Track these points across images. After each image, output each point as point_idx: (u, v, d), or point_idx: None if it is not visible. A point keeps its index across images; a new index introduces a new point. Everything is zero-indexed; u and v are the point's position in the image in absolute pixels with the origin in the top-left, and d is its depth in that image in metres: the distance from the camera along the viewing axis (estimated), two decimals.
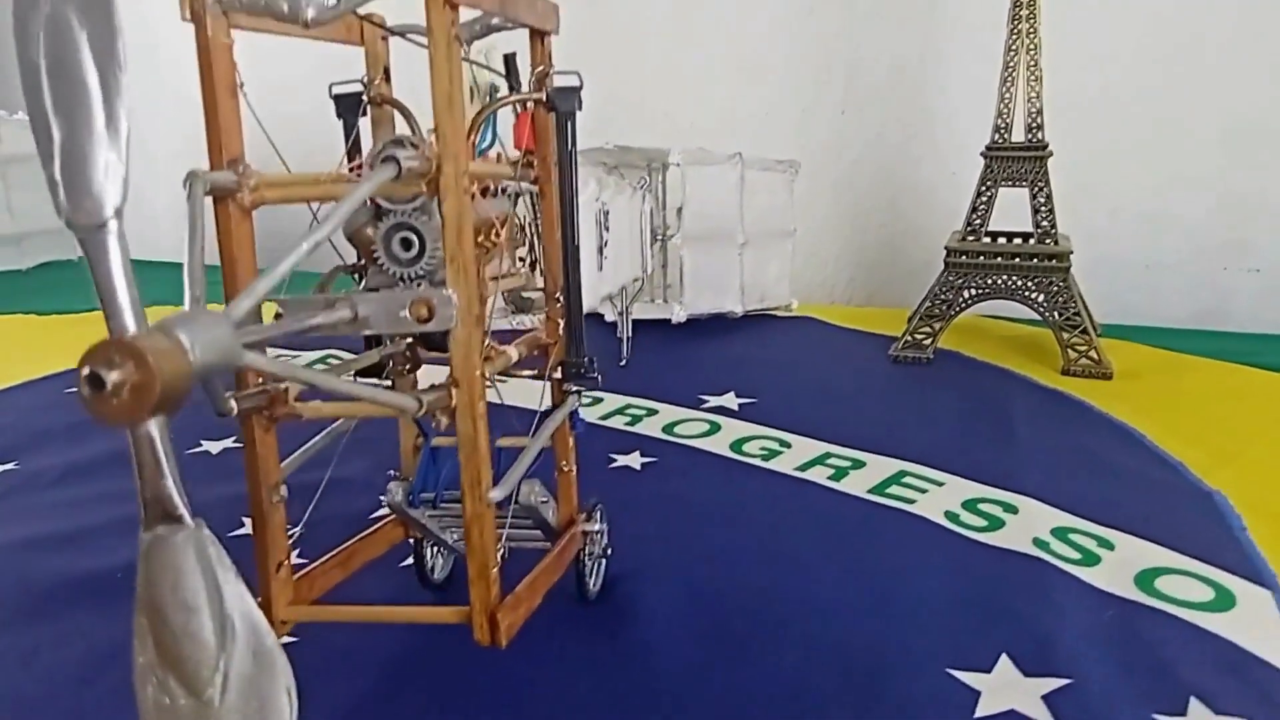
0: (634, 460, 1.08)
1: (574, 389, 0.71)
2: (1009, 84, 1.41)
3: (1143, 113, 1.74)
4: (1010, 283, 1.43)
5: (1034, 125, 1.42)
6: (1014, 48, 1.40)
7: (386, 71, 0.68)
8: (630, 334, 1.47)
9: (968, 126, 1.69)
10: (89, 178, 0.33)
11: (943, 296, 1.46)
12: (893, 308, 1.88)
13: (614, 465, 1.07)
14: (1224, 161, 1.71)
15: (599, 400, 1.27)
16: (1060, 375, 1.37)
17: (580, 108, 0.66)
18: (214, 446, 1.14)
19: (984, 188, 1.46)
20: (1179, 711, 0.63)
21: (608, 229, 1.06)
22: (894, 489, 0.98)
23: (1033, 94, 1.40)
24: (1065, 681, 0.65)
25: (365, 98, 0.67)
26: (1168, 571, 0.80)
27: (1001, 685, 0.65)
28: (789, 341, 1.63)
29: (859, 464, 1.05)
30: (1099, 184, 1.78)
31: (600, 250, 1.12)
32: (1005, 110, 1.43)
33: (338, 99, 0.68)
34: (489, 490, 0.54)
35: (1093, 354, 1.38)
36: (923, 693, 0.65)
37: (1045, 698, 0.64)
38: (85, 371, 0.32)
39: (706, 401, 1.28)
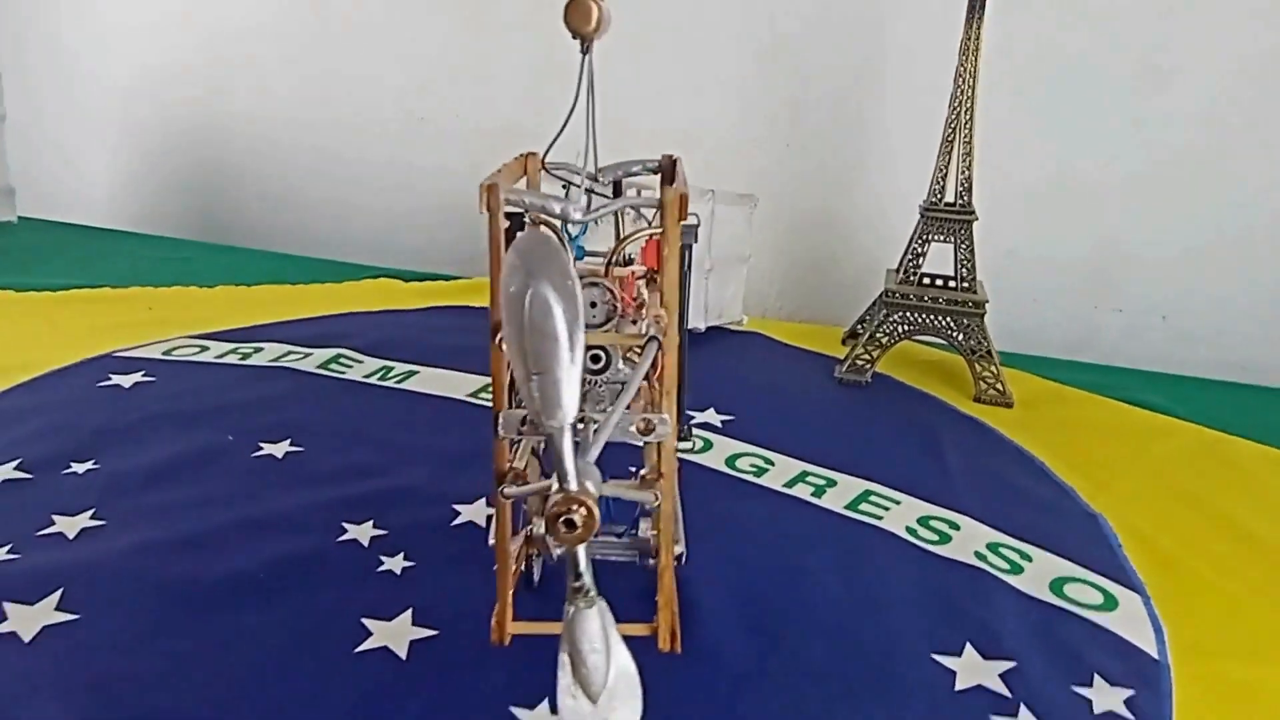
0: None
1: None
2: (945, 155, 1.68)
3: (1035, 166, 2.07)
4: (937, 321, 1.72)
5: (964, 191, 1.69)
6: (953, 125, 1.67)
7: None
8: None
9: (899, 169, 1.98)
10: (560, 397, 0.52)
11: (882, 328, 1.73)
12: (818, 323, 2.17)
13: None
14: (1098, 211, 2.05)
15: None
16: (972, 402, 1.67)
17: (696, 240, 0.86)
18: (278, 450, 1.28)
19: (919, 240, 1.73)
20: (1088, 683, 0.90)
21: None
22: (864, 505, 1.24)
23: (964, 166, 1.68)
24: (1012, 664, 0.92)
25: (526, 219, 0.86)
26: (1072, 580, 1.09)
27: (969, 666, 0.92)
28: (746, 357, 1.87)
29: (832, 482, 1.30)
30: (999, 228, 2.10)
31: None
32: (939, 177, 1.70)
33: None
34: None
35: (999, 385, 1.68)
36: (917, 674, 0.91)
37: (1001, 676, 0.91)
38: (562, 516, 0.51)
39: (693, 418, 1.50)
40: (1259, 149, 1.90)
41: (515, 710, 0.81)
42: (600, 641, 0.55)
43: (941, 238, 1.72)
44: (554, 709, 0.65)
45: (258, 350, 1.67)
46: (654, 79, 2.33)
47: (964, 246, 1.71)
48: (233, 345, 1.69)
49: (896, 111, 2.12)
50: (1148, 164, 2.00)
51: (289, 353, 1.66)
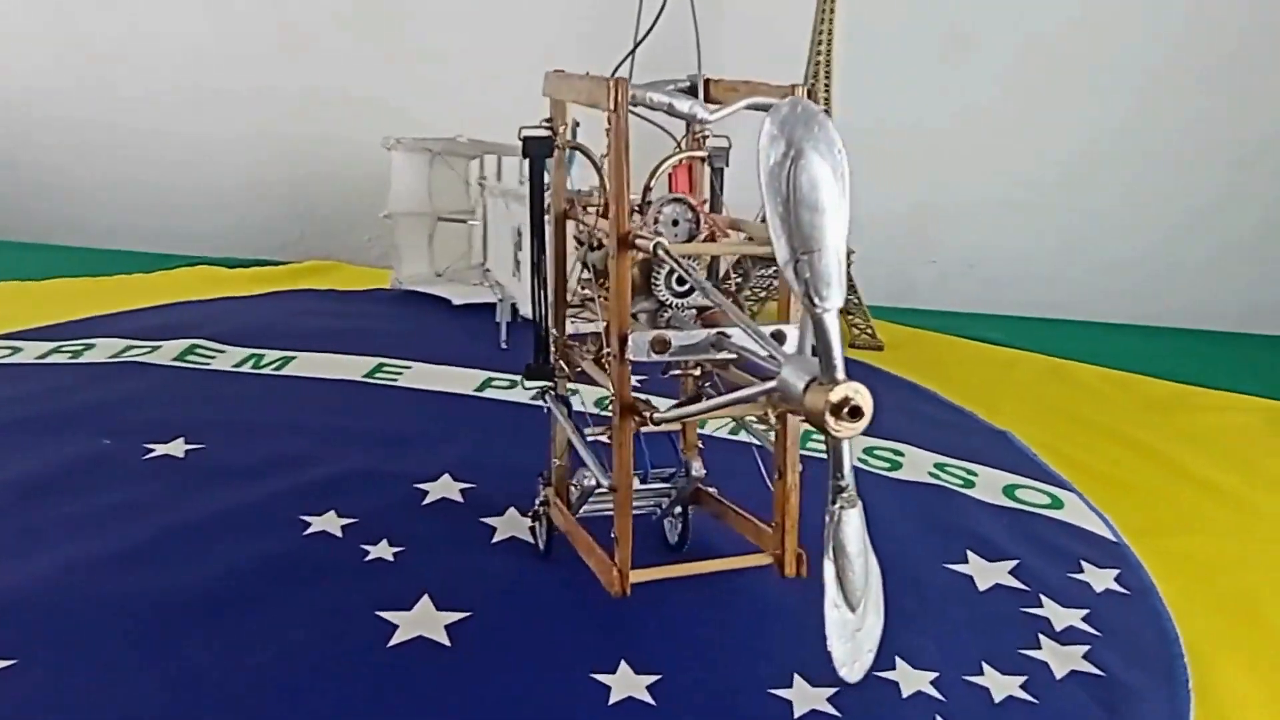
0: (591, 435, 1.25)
1: None
2: None
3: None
4: None
5: None
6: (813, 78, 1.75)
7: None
8: (509, 319, 1.60)
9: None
10: (831, 276, 0.47)
11: (751, 291, 1.78)
12: None
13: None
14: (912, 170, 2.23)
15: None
16: (850, 347, 1.76)
17: (728, 164, 0.83)
18: (173, 450, 1.10)
19: None
20: (1078, 570, 0.99)
21: (520, 249, 1.18)
22: (809, 444, 1.27)
23: None
24: (1015, 561, 0.98)
25: (556, 142, 0.79)
26: (1018, 486, 1.18)
27: (981, 570, 0.97)
28: None
29: None
30: None
31: (517, 263, 1.24)
32: None
33: (526, 140, 0.78)
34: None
35: (869, 330, 1.78)
36: (942, 582, 0.94)
37: (1011, 573, 0.96)
38: (849, 404, 0.47)
39: None
40: (1052, 111, 2.15)
41: (597, 677, 0.75)
42: (863, 544, 0.52)
43: None
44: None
45: (89, 347, 1.42)
46: (492, 49, 2.24)
47: None
48: (53, 344, 1.42)
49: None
50: (954, 124, 2.21)
51: (129, 347, 1.43)
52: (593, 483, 0.82)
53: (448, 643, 0.78)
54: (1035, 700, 0.77)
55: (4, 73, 2.42)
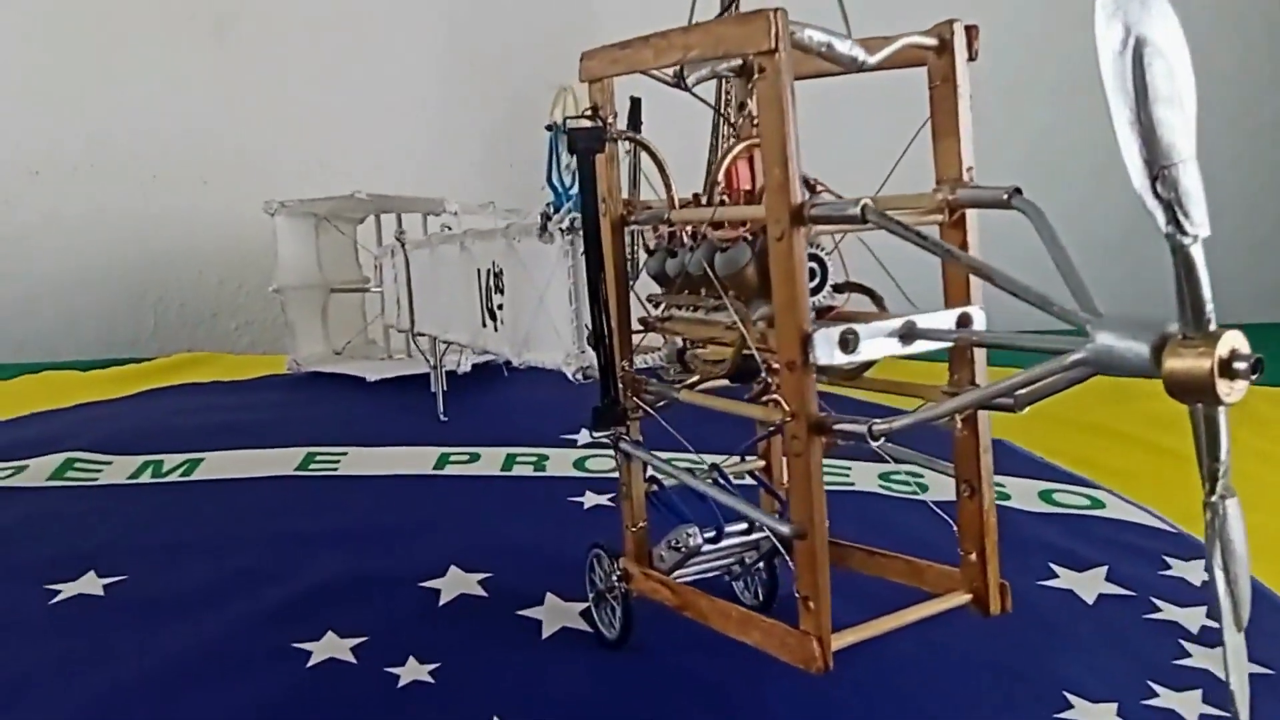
0: (593, 499, 1.09)
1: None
2: None
3: None
4: None
5: None
6: None
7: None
8: (445, 388, 1.42)
9: None
10: (1198, 194, 0.36)
11: None
12: None
13: (587, 507, 1.07)
14: None
15: (510, 460, 1.22)
16: None
17: None
18: (88, 588, 0.85)
19: None
20: (1165, 566, 0.92)
21: (501, 290, 1.03)
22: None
23: None
24: (1104, 568, 0.90)
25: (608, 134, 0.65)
26: (1053, 491, 1.12)
27: (1080, 581, 0.88)
28: (558, 384, 1.69)
29: None
30: None
31: (488, 310, 1.08)
32: None
33: (573, 134, 0.64)
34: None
35: None
36: (1051, 604, 0.85)
37: (1108, 580, 0.88)
38: (1237, 359, 0.35)
39: (576, 438, 1.31)
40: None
41: None
42: (1247, 543, 0.41)
43: None
44: None
45: None
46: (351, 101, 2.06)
47: None
48: None
49: None
50: None
51: None
52: (700, 540, 0.67)
53: None
54: (1228, 714, 0.68)
55: None
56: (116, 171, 2.02)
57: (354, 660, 0.74)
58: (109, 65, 2.02)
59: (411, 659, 0.73)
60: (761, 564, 0.78)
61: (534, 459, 1.23)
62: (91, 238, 2.03)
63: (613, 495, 1.09)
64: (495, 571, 0.88)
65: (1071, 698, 0.69)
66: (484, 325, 1.06)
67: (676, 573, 0.77)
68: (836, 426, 0.51)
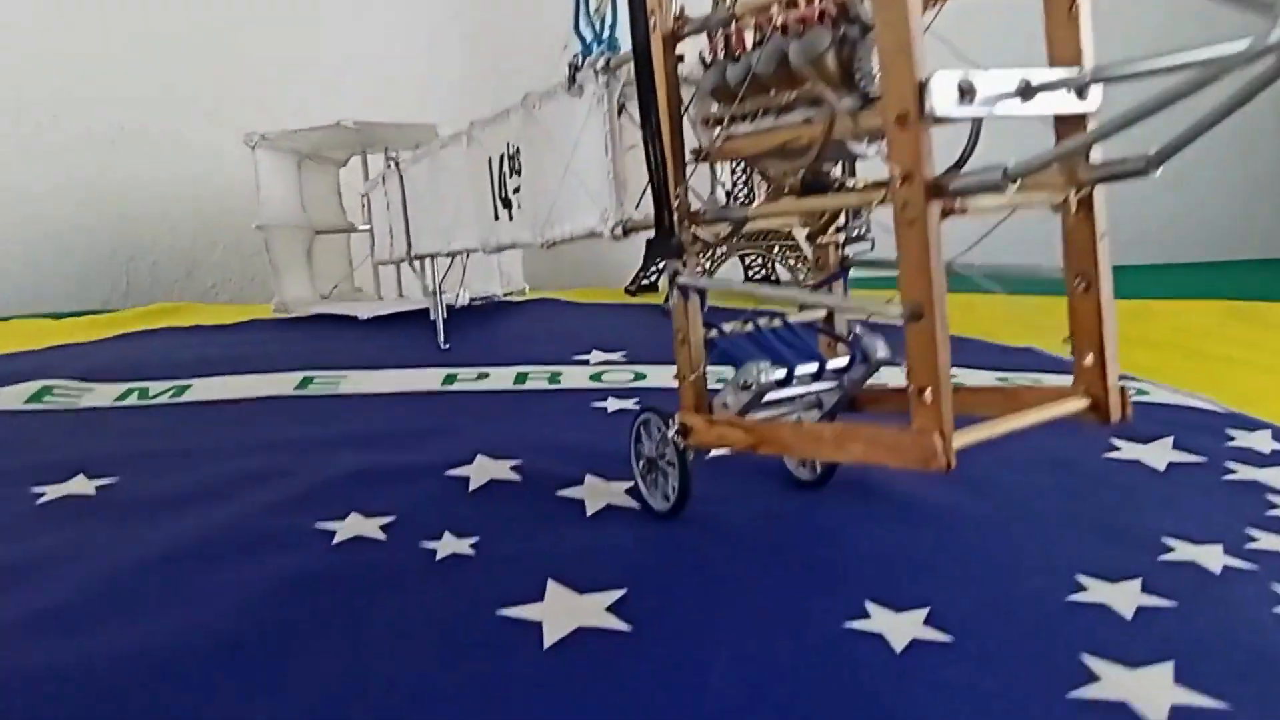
0: (616, 404, 1.02)
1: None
2: None
3: None
4: None
5: None
6: None
7: None
8: (445, 316, 1.34)
9: None
10: None
11: None
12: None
13: (612, 411, 1.00)
14: None
15: (522, 376, 1.15)
16: None
17: None
18: (78, 488, 0.77)
19: None
20: (1229, 438, 0.87)
21: (518, 171, 0.96)
22: None
23: None
24: (1169, 438, 0.85)
25: None
26: None
27: (1144, 453, 0.83)
28: (559, 316, 1.63)
29: None
30: None
31: (503, 199, 1.01)
32: None
33: None
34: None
35: None
36: (1122, 473, 0.80)
37: (1175, 448, 0.83)
38: None
39: (588, 358, 1.24)
40: None
41: (854, 625, 0.53)
42: None
43: None
44: None
45: None
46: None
47: None
48: None
49: None
50: None
51: None
52: (772, 377, 0.61)
53: (624, 627, 0.54)
54: None
55: None
56: (82, 128, 1.92)
57: (383, 537, 0.67)
58: (71, 16, 1.92)
59: (448, 534, 0.66)
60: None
61: (547, 375, 1.16)
62: (57, 196, 1.93)
63: (638, 399, 1.02)
64: (526, 459, 0.82)
65: (1173, 542, 0.64)
66: (496, 219, 0.99)
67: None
68: (957, 185, 0.45)
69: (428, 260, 1.32)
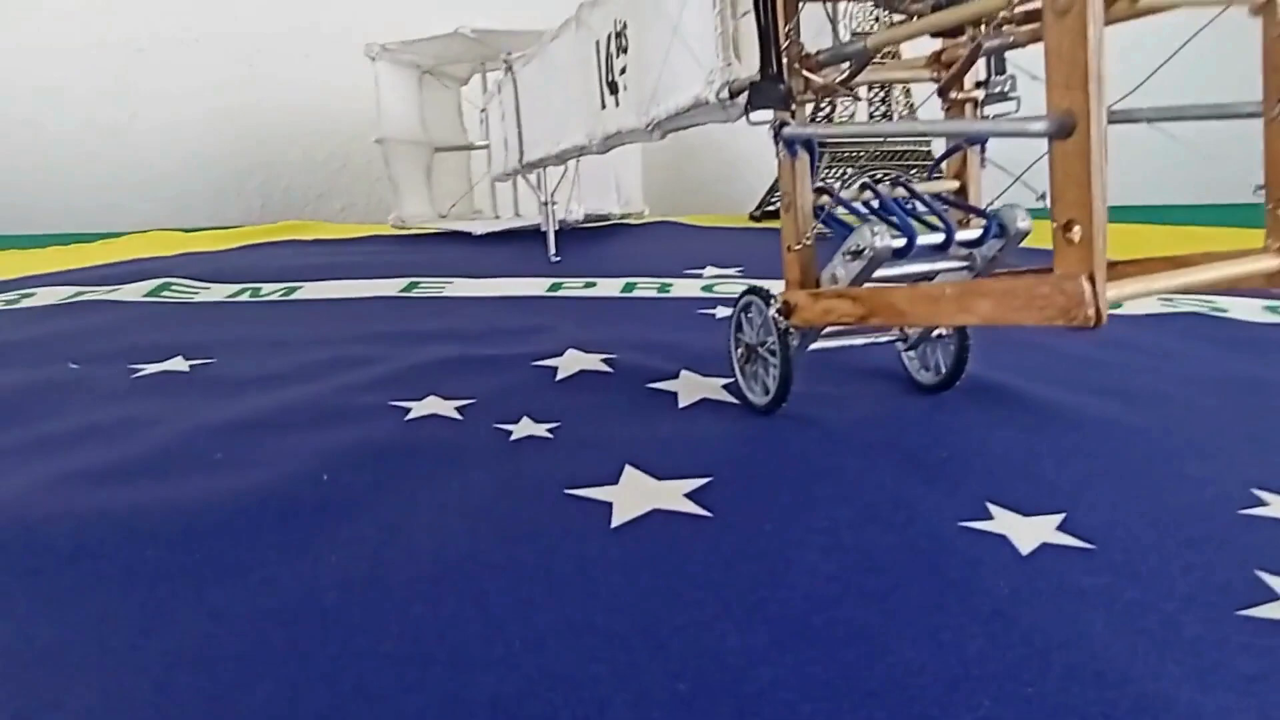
0: (725, 311, 0.96)
1: None
2: None
3: None
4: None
5: None
6: None
7: None
8: (556, 227, 1.30)
9: None
10: None
11: None
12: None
13: (719, 317, 0.94)
14: None
15: (630, 285, 1.11)
16: None
17: None
18: (173, 365, 0.77)
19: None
20: None
21: (625, 49, 0.88)
22: None
23: None
24: None
25: None
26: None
27: None
28: (676, 236, 1.57)
29: None
30: None
31: (609, 84, 0.94)
32: None
33: None
34: None
35: None
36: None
37: None
38: None
39: (702, 272, 1.18)
40: None
41: (973, 525, 0.46)
42: None
43: None
44: None
45: (26, 296, 1.08)
46: None
47: None
48: None
49: None
50: None
51: (80, 293, 1.09)
52: (888, 242, 0.53)
53: (703, 513, 0.48)
54: None
55: None
56: (220, 49, 1.98)
57: (459, 417, 0.63)
58: None
59: (526, 418, 0.62)
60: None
61: (656, 285, 1.10)
62: (197, 119, 2.00)
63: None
64: (622, 355, 0.76)
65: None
66: (603, 108, 0.92)
67: (830, 341, 0.64)
68: None
69: (540, 172, 1.28)
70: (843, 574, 0.41)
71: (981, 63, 0.60)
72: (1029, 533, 0.45)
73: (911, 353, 0.68)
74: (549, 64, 1.10)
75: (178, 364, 0.78)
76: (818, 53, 0.54)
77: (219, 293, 1.10)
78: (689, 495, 0.50)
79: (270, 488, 0.51)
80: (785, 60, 0.54)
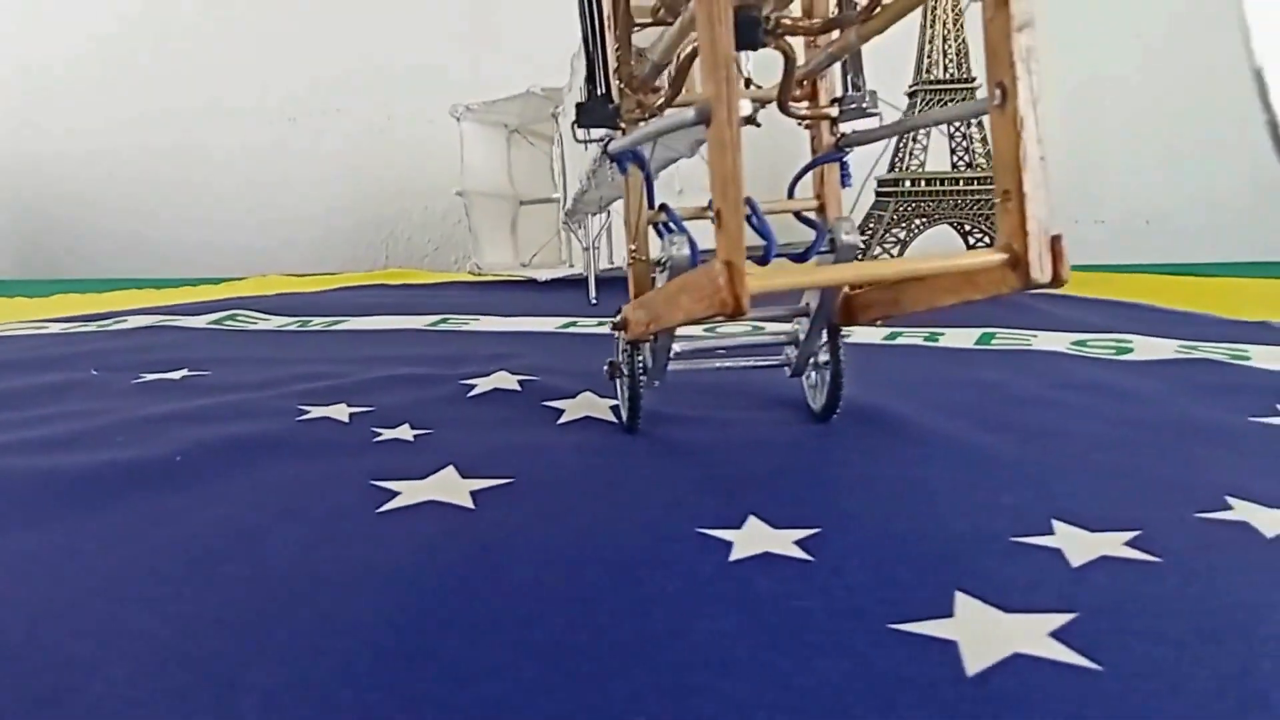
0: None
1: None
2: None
3: None
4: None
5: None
6: None
7: None
8: (596, 272, 1.35)
9: None
10: None
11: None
12: None
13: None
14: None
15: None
16: None
17: None
18: (171, 375, 0.87)
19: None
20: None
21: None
22: (995, 343, 0.94)
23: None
24: None
25: None
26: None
27: None
28: None
29: (940, 334, 1.00)
30: None
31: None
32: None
33: None
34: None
35: None
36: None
37: None
38: None
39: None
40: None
41: (711, 532, 0.45)
42: None
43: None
44: None
45: (119, 321, 1.24)
46: None
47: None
48: (84, 323, 1.25)
49: None
50: None
51: (161, 321, 1.24)
52: (686, 251, 0.53)
53: (471, 506, 0.50)
54: None
55: (103, 132, 2.42)
56: (357, 118, 2.19)
57: (346, 421, 0.67)
58: (346, 12, 2.19)
59: (405, 425, 0.66)
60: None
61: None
62: (336, 178, 2.22)
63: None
64: (544, 377, 0.79)
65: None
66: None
67: (692, 362, 0.64)
68: None
69: (584, 219, 1.33)
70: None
71: (837, 79, 0.59)
72: (761, 542, 0.43)
73: (813, 378, 0.66)
74: None
75: (177, 375, 0.88)
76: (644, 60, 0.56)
77: (274, 323, 1.22)
78: (475, 493, 0.52)
79: (128, 463, 0.57)
80: (610, 79, 0.56)
